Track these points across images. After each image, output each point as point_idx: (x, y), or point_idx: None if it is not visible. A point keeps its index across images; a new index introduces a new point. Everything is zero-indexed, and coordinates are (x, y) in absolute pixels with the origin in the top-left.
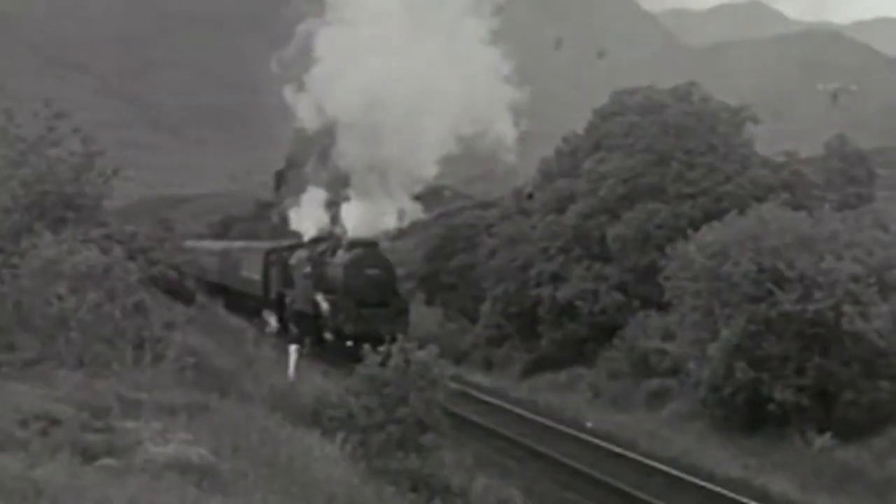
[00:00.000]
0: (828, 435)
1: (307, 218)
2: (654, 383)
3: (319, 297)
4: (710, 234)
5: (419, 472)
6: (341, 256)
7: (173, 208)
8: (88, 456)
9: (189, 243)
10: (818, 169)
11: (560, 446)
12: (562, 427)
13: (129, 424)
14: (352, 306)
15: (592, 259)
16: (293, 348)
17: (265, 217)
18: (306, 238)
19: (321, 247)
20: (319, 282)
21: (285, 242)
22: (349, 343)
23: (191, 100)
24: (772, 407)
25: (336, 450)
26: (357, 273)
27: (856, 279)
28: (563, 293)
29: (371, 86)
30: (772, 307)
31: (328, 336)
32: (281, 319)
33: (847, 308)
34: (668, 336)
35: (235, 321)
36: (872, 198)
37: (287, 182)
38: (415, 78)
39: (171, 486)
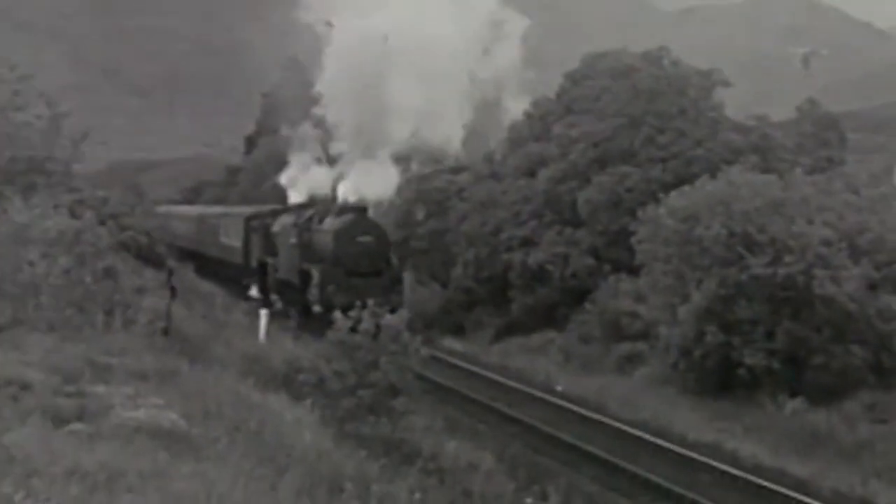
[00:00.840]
0: (798, 399)
1: (297, 182)
2: (624, 347)
3: (307, 266)
4: (680, 199)
5: (390, 437)
6: (330, 223)
7: (144, 173)
8: (60, 421)
9: (163, 208)
10: (789, 133)
11: (531, 410)
12: (533, 391)
13: (100, 389)
14: (342, 276)
15: (563, 223)
16: (263, 312)
17: (235, 182)
18: (290, 202)
19: (308, 213)
20: (307, 250)
21: (267, 208)
22: (338, 314)
23: (162, 64)
24: (742, 371)
25: (307, 414)
26: (347, 240)
27: (827, 243)
28: (534, 257)
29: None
30: (743, 271)
31: (316, 308)
32: (263, 289)
33: (818, 272)
34: (639, 300)
35: (206, 286)
36: (844, 161)
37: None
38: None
39: (141, 450)
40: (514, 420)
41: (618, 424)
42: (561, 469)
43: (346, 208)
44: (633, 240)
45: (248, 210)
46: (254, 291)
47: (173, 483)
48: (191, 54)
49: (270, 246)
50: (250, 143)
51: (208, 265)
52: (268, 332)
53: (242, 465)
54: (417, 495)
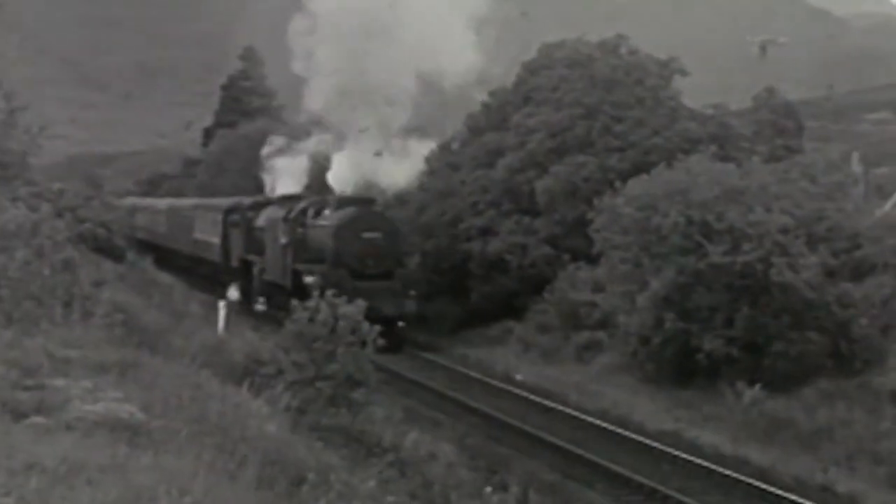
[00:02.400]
0: (757, 387)
1: (283, 173)
2: (583, 336)
3: (301, 267)
4: (638, 187)
5: (350, 428)
6: (329, 217)
7: (102, 165)
8: (18, 414)
9: (129, 200)
10: (747, 121)
11: (491, 400)
12: (492, 381)
13: (59, 382)
14: (345, 279)
15: (521, 213)
16: (222, 304)
17: (193, 174)
18: (275, 194)
19: (300, 205)
20: (300, 248)
21: (248, 199)
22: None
23: (119, 56)
24: (701, 357)
25: (268, 406)
26: (351, 237)
27: (784, 231)
28: (493, 247)
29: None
30: (701, 259)
31: None
32: (246, 291)
33: (776, 260)
34: (597, 289)
35: (165, 278)
36: (801, 149)
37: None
38: None
39: (101, 443)
40: (473, 410)
41: (577, 414)
42: (521, 459)
43: (347, 200)
44: (590, 228)
45: (226, 202)
46: (233, 293)
47: (133, 476)
48: (149, 46)
49: (254, 242)
50: (208, 135)
51: (180, 263)
52: (227, 324)
53: (202, 456)
54: (378, 486)
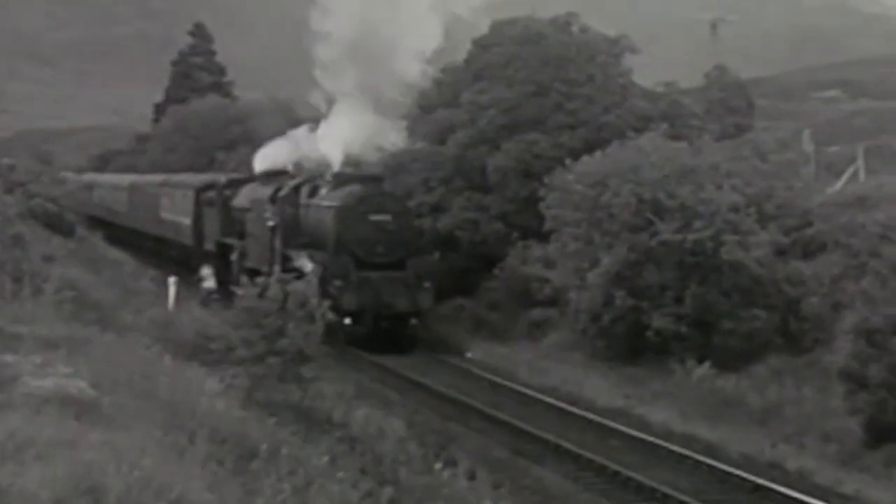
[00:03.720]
0: (707, 364)
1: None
2: (534, 313)
3: (293, 254)
4: (590, 164)
5: (300, 404)
6: (329, 196)
7: (52, 141)
8: None
9: (87, 176)
10: (697, 99)
11: (441, 377)
12: (443, 357)
13: (9, 358)
14: (349, 268)
15: (473, 190)
16: (172, 280)
17: (144, 150)
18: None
19: (292, 182)
20: (292, 232)
21: (225, 176)
22: (347, 321)
23: (69, 31)
24: (651, 334)
25: (217, 382)
26: (356, 220)
27: (735, 209)
28: (444, 224)
29: None
30: (652, 237)
31: None
32: (223, 279)
33: (726, 238)
34: (548, 266)
35: (115, 253)
36: (751, 128)
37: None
38: None
39: (51, 419)
40: (423, 387)
41: (527, 391)
42: (470, 435)
43: (348, 177)
44: (542, 205)
45: (198, 179)
46: (208, 280)
47: (82, 451)
48: (99, 22)
49: (233, 224)
50: (159, 111)
51: (145, 244)
52: (177, 300)
53: (152, 432)
54: (328, 461)
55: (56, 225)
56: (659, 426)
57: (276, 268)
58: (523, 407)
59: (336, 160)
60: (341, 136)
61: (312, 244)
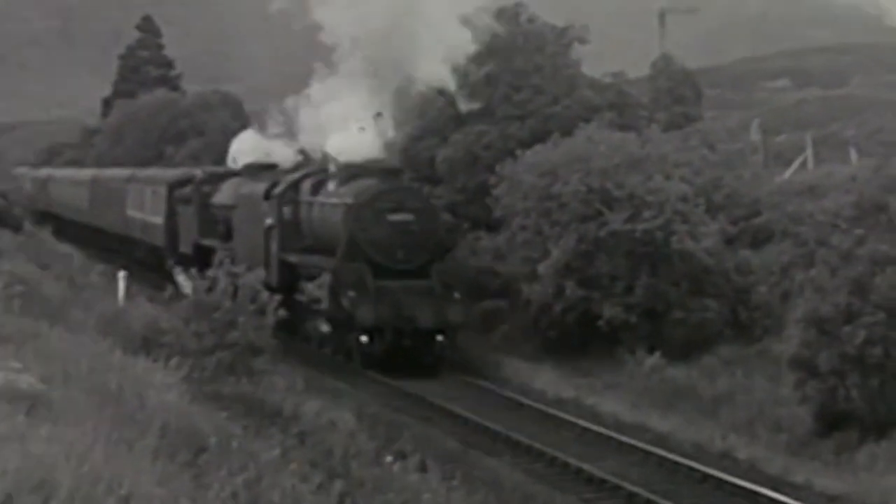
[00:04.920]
0: (657, 354)
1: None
2: (485, 305)
3: (294, 259)
4: (538, 155)
5: (251, 397)
6: (339, 192)
7: None
8: None
9: (44, 171)
10: (645, 89)
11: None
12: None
13: None
14: (365, 277)
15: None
16: (122, 274)
17: (92, 144)
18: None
19: (291, 176)
20: (292, 234)
21: (200, 171)
22: (364, 338)
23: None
24: (601, 324)
25: (168, 376)
26: (373, 220)
27: (684, 199)
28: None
29: None
30: (601, 227)
31: (322, 326)
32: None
33: (676, 227)
34: (498, 257)
35: (64, 248)
36: (699, 117)
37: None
38: None
39: (0, 414)
40: (373, 380)
41: (478, 382)
42: (421, 428)
43: (361, 169)
44: (491, 195)
45: (171, 173)
46: (185, 286)
47: (32, 446)
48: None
49: (214, 224)
50: (107, 104)
51: (108, 244)
52: (127, 294)
53: (102, 426)
54: (279, 454)
55: (4, 220)
56: (609, 416)
57: (274, 274)
58: (474, 398)
59: (344, 151)
60: (344, 126)
61: (318, 248)
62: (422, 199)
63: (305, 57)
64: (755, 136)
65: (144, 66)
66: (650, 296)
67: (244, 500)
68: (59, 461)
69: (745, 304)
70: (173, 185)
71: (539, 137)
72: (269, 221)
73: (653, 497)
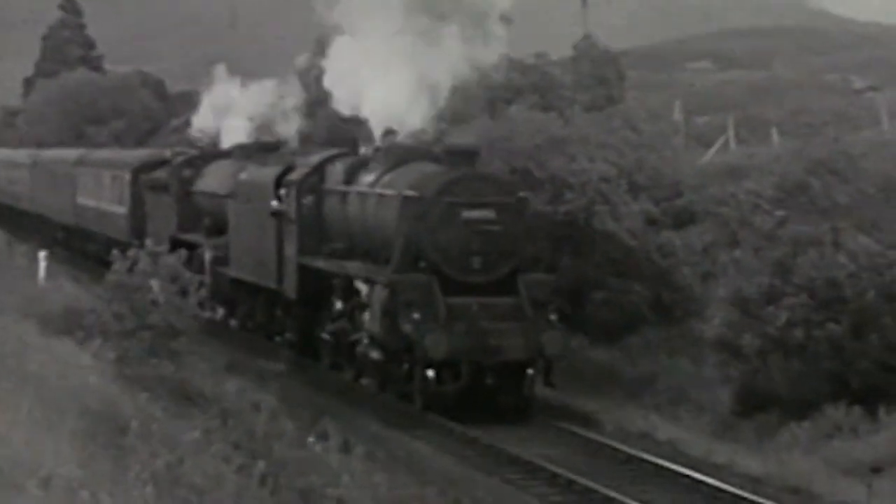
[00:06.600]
0: (580, 336)
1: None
2: None
3: (321, 265)
4: (460, 136)
5: (173, 378)
6: (387, 180)
7: None
8: None
9: None
10: (568, 70)
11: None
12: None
13: None
14: (431, 291)
15: None
16: (42, 254)
17: (13, 124)
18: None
19: (313, 159)
20: (314, 233)
21: (172, 151)
22: (430, 373)
23: None
24: None
25: (90, 358)
26: (441, 217)
27: (606, 180)
28: None
29: None
30: None
31: (372, 352)
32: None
33: (598, 208)
34: None
35: None
36: (622, 99)
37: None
38: None
39: None
40: (298, 362)
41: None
42: (343, 408)
43: (414, 151)
44: None
45: (136, 154)
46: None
47: None
48: None
49: (197, 216)
50: (29, 85)
51: (54, 235)
52: (48, 274)
53: (22, 408)
54: (201, 435)
55: None
56: (535, 400)
57: (292, 282)
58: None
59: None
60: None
61: (355, 252)
62: (505, 189)
63: (229, 38)
64: (677, 117)
65: (66, 45)
66: (573, 277)
67: (165, 480)
68: None
69: (667, 286)
70: (138, 169)
71: (460, 119)
72: (292, 211)
73: (575, 478)
